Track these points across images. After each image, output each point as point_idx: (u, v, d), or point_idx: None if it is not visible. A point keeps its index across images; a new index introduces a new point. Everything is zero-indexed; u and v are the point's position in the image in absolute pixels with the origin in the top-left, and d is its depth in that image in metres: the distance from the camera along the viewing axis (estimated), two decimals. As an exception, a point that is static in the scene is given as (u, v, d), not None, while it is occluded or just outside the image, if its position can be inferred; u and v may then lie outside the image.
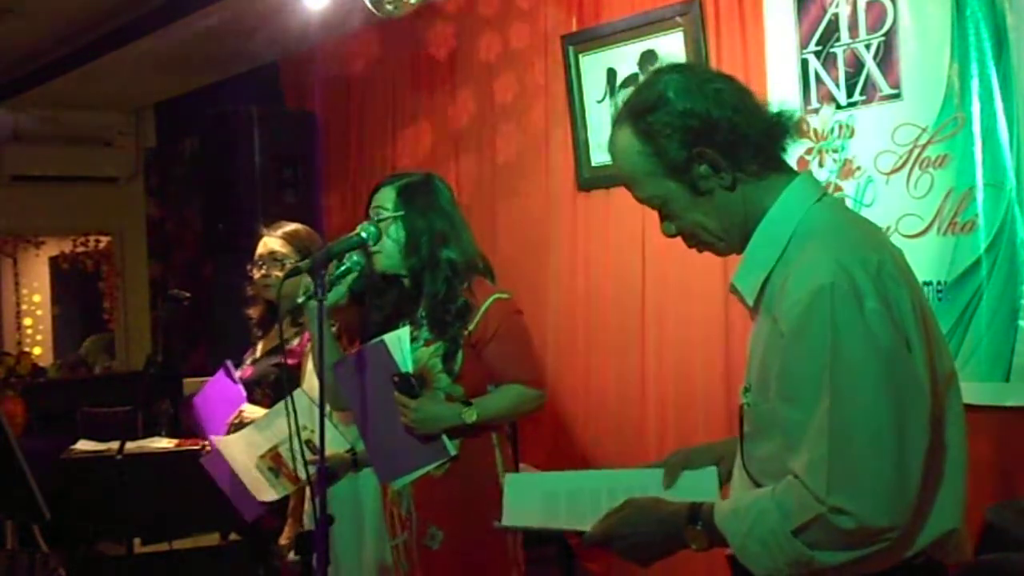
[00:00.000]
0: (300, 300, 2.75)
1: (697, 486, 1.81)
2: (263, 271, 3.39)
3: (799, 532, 1.54)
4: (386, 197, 2.85)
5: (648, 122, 1.70)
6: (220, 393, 3.45)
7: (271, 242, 3.41)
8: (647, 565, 1.77)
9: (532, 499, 1.99)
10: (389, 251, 2.82)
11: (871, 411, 1.51)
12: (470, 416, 2.72)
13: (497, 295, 2.82)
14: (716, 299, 3.67)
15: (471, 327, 2.77)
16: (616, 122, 1.77)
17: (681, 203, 1.72)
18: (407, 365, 2.75)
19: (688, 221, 1.74)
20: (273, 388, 3.35)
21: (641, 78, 1.80)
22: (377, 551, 3.07)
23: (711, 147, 1.67)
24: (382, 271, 2.85)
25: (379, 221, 2.81)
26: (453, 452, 2.77)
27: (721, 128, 1.67)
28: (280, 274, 3.25)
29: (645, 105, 1.71)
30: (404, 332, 2.78)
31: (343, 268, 2.76)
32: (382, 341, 2.78)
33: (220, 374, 3.46)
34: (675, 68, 1.76)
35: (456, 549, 2.79)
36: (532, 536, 2.96)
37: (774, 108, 1.74)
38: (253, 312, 3.53)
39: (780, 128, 1.73)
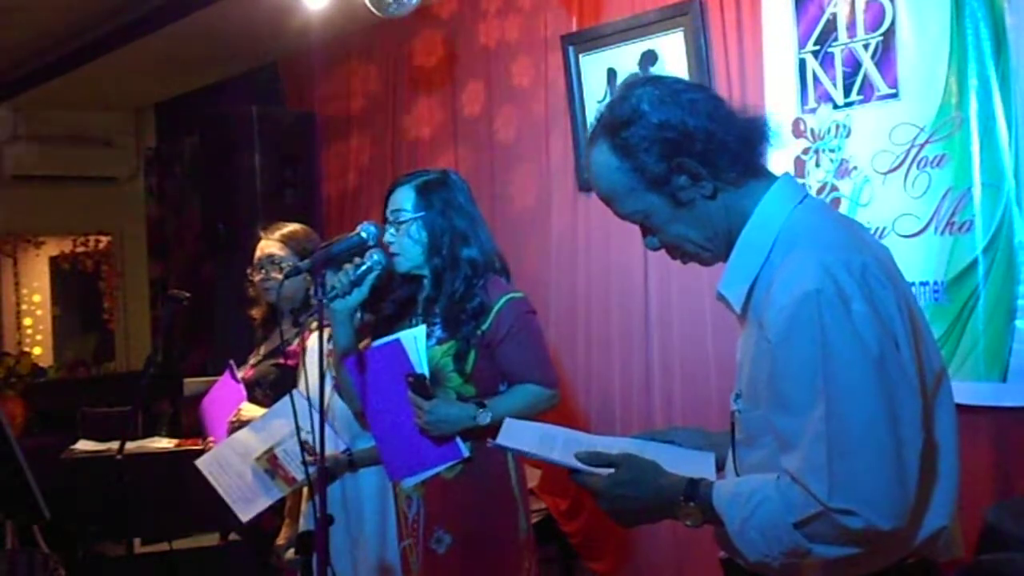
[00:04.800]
0: (325, 301, 2.66)
1: (694, 466, 1.80)
2: (262, 274, 3.40)
3: (801, 525, 1.54)
4: (405, 197, 2.82)
5: (624, 137, 1.70)
6: (224, 394, 3.47)
7: (268, 245, 3.42)
8: (630, 527, 1.77)
9: (529, 433, 1.99)
10: (410, 252, 2.79)
11: (866, 414, 1.51)
12: (485, 419, 2.69)
13: (510, 295, 2.79)
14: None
15: (484, 327, 2.75)
16: (592, 139, 1.77)
17: (663, 216, 1.72)
18: (423, 366, 2.73)
19: (671, 234, 1.74)
20: (272, 388, 3.36)
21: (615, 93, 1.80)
22: (377, 552, 3.07)
23: (689, 157, 1.67)
24: (403, 272, 2.83)
25: (400, 223, 2.79)
26: (467, 453, 2.75)
27: (698, 138, 1.67)
28: (279, 276, 3.25)
29: (620, 120, 1.71)
30: (420, 331, 2.76)
31: (364, 267, 2.72)
32: (398, 340, 2.76)
33: (226, 376, 3.48)
34: (648, 81, 1.75)
35: (463, 554, 2.76)
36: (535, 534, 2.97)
37: (749, 114, 1.74)
38: (256, 313, 3.54)
39: (756, 134, 1.73)
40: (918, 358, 1.59)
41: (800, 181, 3.39)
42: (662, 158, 1.68)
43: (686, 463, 1.79)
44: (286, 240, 3.41)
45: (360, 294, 2.75)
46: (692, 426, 2.05)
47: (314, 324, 3.15)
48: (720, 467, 1.85)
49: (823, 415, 1.52)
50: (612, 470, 1.73)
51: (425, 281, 2.84)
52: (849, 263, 1.57)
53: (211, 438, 3.47)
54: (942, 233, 3.15)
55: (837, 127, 3.42)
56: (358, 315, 2.90)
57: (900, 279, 1.68)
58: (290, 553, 3.18)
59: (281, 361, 3.31)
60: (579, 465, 1.76)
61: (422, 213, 2.79)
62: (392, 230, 2.80)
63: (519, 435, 1.98)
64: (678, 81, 1.78)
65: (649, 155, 1.68)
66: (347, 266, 2.72)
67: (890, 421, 1.52)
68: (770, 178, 1.74)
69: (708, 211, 1.71)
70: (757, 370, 1.64)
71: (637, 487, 1.71)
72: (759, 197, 1.70)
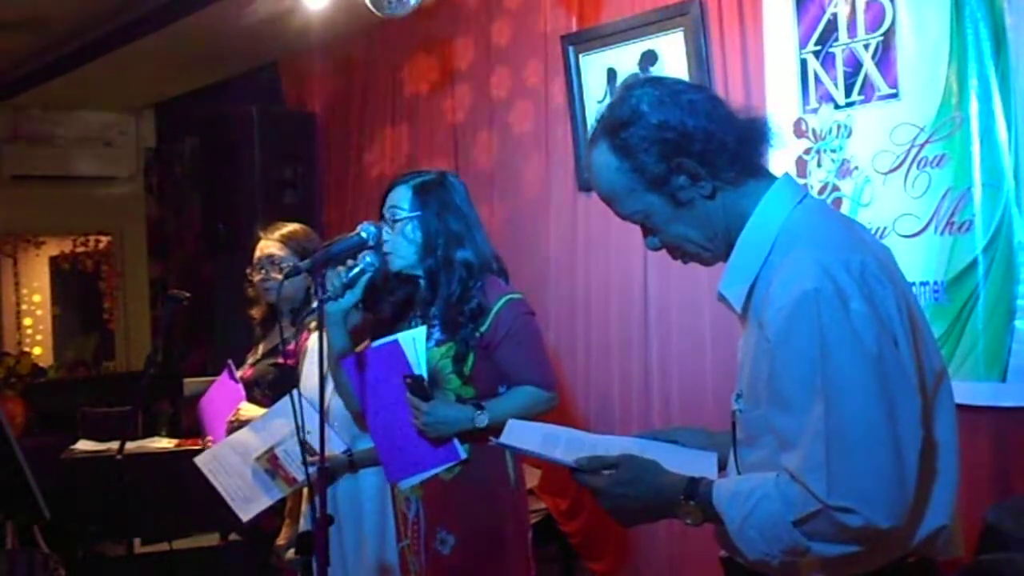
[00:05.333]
0: (324, 298, 2.66)
1: (696, 465, 1.80)
2: (262, 274, 3.40)
3: (800, 523, 1.55)
4: (402, 196, 2.81)
5: (623, 138, 1.71)
6: (222, 394, 3.47)
7: (268, 245, 3.42)
8: (630, 526, 1.77)
9: (532, 433, 2.00)
10: (404, 252, 2.79)
11: (864, 413, 1.52)
12: (482, 421, 2.69)
13: (509, 296, 2.79)
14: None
15: (483, 328, 2.74)
16: (592, 140, 1.78)
17: (663, 216, 1.73)
18: (421, 367, 2.73)
19: (672, 234, 1.75)
20: (271, 388, 3.36)
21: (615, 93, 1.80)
22: (377, 552, 3.07)
23: (688, 158, 1.68)
24: (397, 271, 2.82)
25: (395, 221, 2.79)
26: (464, 455, 2.75)
27: (697, 138, 1.68)
28: (279, 277, 3.25)
29: (620, 121, 1.72)
30: (420, 332, 2.76)
31: (357, 269, 2.73)
32: (396, 341, 2.76)
33: (224, 376, 3.48)
34: (647, 82, 1.76)
35: (467, 554, 2.77)
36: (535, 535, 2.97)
37: (748, 114, 1.75)
38: (255, 313, 3.54)
39: (756, 134, 1.74)
40: (917, 357, 1.60)
41: (802, 181, 3.39)
42: (661, 158, 1.69)
43: (688, 462, 1.80)
44: (286, 240, 3.42)
45: (353, 296, 2.75)
46: (695, 426, 2.06)
47: (313, 324, 3.16)
48: (723, 467, 1.85)
49: (822, 414, 1.53)
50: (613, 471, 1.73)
51: (420, 282, 2.84)
52: (848, 262, 1.57)
53: (209, 438, 3.47)
54: (942, 233, 3.15)
55: (838, 127, 3.42)
56: (354, 316, 2.89)
57: (900, 278, 1.68)
58: (290, 553, 3.18)
59: (280, 361, 3.31)
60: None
61: (417, 213, 2.79)
62: (387, 228, 2.80)
63: (522, 435, 1.99)
64: (678, 82, 1.79)
65: (648, 155, 1.69)
66: (340, 268, 2.72)
67: (889, 419, 1.52)
68: (770, 178, 1.75)
69: (708, 211, 1.71)
70: (757, 370, 1.64)
71: (637, 486, 1.71)
72: (759, 197, 1.71)
